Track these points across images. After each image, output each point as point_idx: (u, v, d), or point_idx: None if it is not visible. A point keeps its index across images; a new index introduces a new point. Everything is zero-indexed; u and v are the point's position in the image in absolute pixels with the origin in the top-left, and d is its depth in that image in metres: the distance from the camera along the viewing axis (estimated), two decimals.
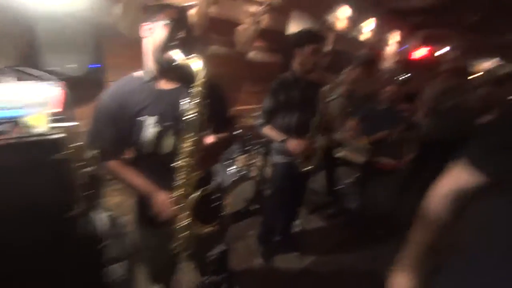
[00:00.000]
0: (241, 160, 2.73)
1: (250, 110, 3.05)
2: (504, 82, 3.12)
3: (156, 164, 0.97)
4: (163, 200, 0.92)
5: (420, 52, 6.69)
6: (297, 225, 2.55)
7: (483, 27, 5.53)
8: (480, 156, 0.62)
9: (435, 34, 6.38)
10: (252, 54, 3.43)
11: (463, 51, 5.95)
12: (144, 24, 0.93)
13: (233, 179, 2.53)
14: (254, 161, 2.77)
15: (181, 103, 0.93)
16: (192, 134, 0.88)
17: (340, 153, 2.73)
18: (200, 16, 2.57)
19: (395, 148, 2.88)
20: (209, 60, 0.88)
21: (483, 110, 2.94)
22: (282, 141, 1.80)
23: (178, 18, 0.90)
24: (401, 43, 6.71)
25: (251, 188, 2.70)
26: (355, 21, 5.09)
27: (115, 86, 0.98)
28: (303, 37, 1.75)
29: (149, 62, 0.97)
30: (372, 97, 3.00)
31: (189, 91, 0.90)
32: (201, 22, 2.61)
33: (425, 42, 6.71)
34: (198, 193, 0.93)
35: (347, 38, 5.11)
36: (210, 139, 0.99)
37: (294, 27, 4.00)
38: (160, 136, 0.94)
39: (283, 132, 1.81)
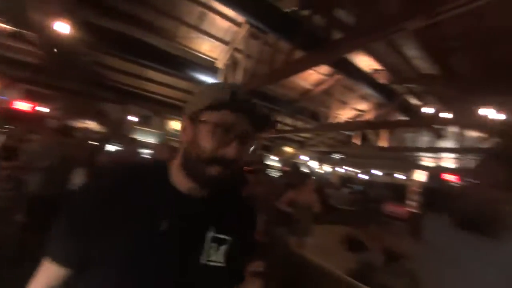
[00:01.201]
0: None
1: None
2: None
3: None
4: None
5: (22, 106, 6.24)
6: None
7: (84, 94, 6.69)
8: (55, 247, 0.57)
9: (39, 91, 6.40)
10: None
11: (66, 111, 6.72)
12: None
13: None
14: None
15: None
16: None
17: None
18: None
19: None
20: None
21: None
22: None
23: None
24: None
25: None
26: None
27: None
28: None
29: None
30: None
31: None
32: None
33: (27, 97, 6.41)
34: None
35: None
36: None
37: None
38: None
39: None
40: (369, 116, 7.98)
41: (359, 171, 12.43)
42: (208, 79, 5.51)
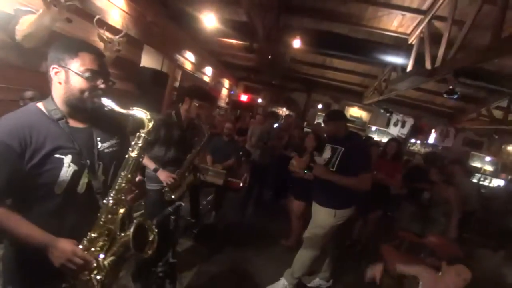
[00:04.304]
0: None
1: None
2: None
3: (70, 204, 0.91)
4: (71, 248, 0.80)
5: (244, 97, 8.85)
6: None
7: (279, 87, 8.37)
8: None
9: (252, 86, 8.77)
10: None
11: (269, 100, 8.72)
12: (53, 66, 0.89)
13: None
14: None
15: (96, 142, 0.97)
16: (126, 172, 0.93)
17: (203, 178, 3.08)
18: (37, 28, 2.17)
19: (236, 170, 3.72)
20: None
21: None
22: (154, 169, 1.94)
23: (98, 67, 0.92)
24: (229, 89, 8.59)
25: None
26: (198, 64, 5.96)
27: (12, 120, 0.84)
28: (197, 93, 2.06)
29: (59, 101, 0.92)
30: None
31: (100, 131, 1.00)
32: (38, 35, 2.19)
33: (246, 91, 9.04)
34: (132, 227, 0.90)
35: (193, 77, 5.86)
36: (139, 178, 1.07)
37: (146, 60, 4.15)
38: (76, 175, 0.90)
39: (157, 163, 1.96)
40: None
41: None
42: (397, 59, 4.97)
